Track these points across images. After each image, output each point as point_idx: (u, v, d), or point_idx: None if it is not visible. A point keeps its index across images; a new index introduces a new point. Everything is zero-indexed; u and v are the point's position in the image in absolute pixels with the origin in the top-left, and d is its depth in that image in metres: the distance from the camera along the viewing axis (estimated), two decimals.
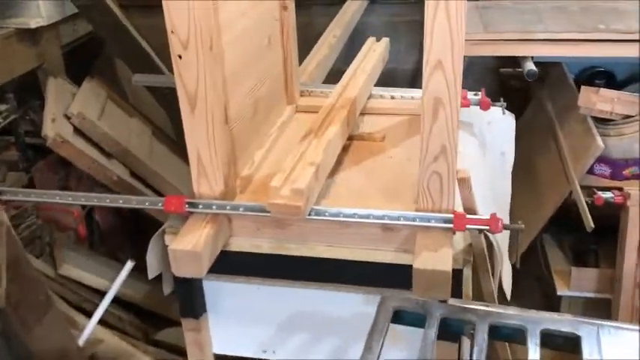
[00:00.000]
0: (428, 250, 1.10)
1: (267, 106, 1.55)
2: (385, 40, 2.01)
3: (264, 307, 1.39)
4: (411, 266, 1.19)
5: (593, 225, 1.85)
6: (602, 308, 2.10)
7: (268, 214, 1.18)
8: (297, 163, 1.21)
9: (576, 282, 2.09)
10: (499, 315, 0.83)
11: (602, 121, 2.09)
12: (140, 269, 1.65)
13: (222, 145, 1.20)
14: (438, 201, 1.15)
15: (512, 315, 0.83)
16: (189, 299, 1.38)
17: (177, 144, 2.88)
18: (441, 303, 0.91)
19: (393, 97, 1.76)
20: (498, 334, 0.83)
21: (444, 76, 1.04)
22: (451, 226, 1.13)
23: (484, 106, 1.69)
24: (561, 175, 2.09)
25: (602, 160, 2.03)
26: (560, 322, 0.81)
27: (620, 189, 1.92)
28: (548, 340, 0.80)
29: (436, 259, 1.08)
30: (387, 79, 3.40)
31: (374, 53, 1.85)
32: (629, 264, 1.91)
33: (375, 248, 1.22)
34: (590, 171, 2.06)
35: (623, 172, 2.02)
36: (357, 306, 1.32)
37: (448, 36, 1.01)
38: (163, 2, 1.07)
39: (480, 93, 1.74)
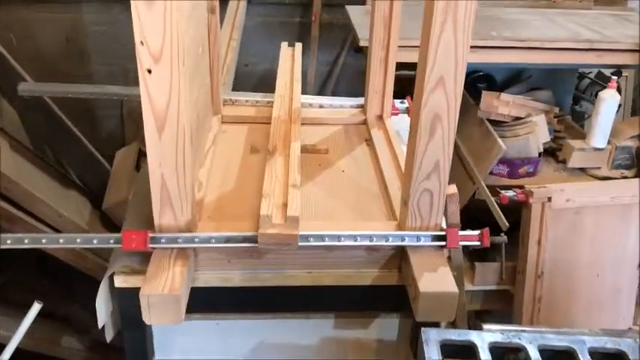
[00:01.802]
0: (427, 270, 1.06)
1: (203, 119, 1.41)
2: (299, 46, 1.94)
3: (225, 342, 1.26)
4: (396, 286, 1.16)
5: (507, 224, 1.96)
6: (503, 300, 2.24)
7: (247, 245, 1.07)
8: (275, 185, 1.11)
9: (480, 277, 2.21)
10: (543, 337, 0.83)
11: (494, 124, 2.23)
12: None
13: (190, 169, 1.06)
14: (427, 218, 1.12)
15: (558, 337, 0.83)
16: (138, 345, 1.21)
17: (35, 155, 2.56)
18: (485, 330, 0.88)
19: (321, 106, 1.71)
20: (548, 357, 0.82)
21: (445, 93, 1.01)
22: (444, 243, 1.11)
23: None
24: (463, 176, 2.19)
25: (499, 160, 2.16)
26: (604, 339, 0.82)
27: (520, 187, 2.06)
28: (596, 358, 0.81)
29: (439, 280, 1.05)
30: (264, 79, 3.36)
31: (298, 61, 1.78)
32: (532, 256, 2.05)
33: (358, 271, 1.16)
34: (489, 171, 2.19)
35: (519, 171, 2.17)
36: (327, 332, 1.26)
37: (453, 52, 0.98)
38: (133, 9, 0.91)
39: (405, 101, 1.76)
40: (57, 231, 2.33)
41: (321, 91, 3.43)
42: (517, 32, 2.21)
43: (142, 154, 2.77)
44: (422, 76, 1.01)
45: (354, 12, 2.52)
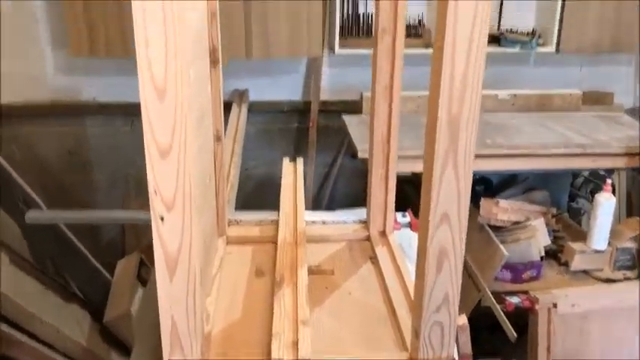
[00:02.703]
0: None
1: (209, 244, 1.43)
2: (300, 161, 1.99)
3: None
4: None
5: (515, 334, 1.94)
6: None
7: None
8: (284, 321, 1.11)
9: None
10: None
11: (494, 227, 2.26)
12: None
13: (200, 309, 1.06)
14: (439, 349, 1.11)
15: None
16: None
17: (35, 267, 2.55)
18: None
19: (324, 222, 1.73)
20: None
21: (450, 227, 1.03)
22: None
23: (415, 227, 1.73)
24: (468, 283, 2.18)
25: (502, 265, 2.17)
26: None
27: (525, 292, 2.06)
28: None
29: None
30: (264, 184, 3.41)
31: (300, 177, 1.82)
32: None
33: None
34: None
35: (523, 276, 2.17)
36: None
37: (455, 188, 1.01)
38: (147, 160, 0.94)
39: (407, 214, 1.79)
40: (55, 349, 2.29)
41: (319, 192, 3.47)
42: (510, 138, 2.29)
43: (142, 264, 2.76)
44: (426, 212, 1.04)
45: (350, 121, 2.61)
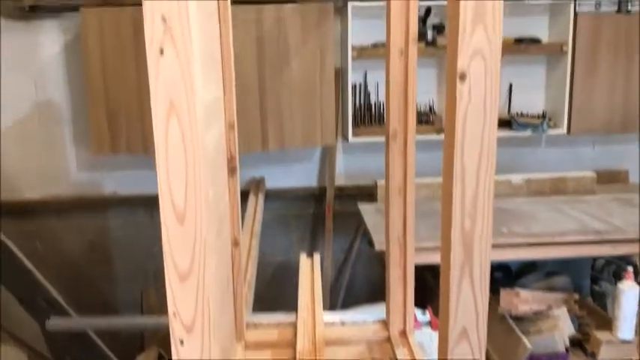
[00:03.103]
0: None
1: (228, 348, 1.42)
2: (317, 257, 2.00)
3: None
4: None
5: None
6: None
7: None
8: None
9: None
10: None
11: (516, 318, 2.22)
12: None
13: None
14: None
15: None
16: None
17: None
18: None
19: (343, 323, 1.72)
20: None
21: (469, 343, 1.03)
22: None
23: (435, 326, 1.71)
24: None
25: (526, 358, 2.11)
26: None
27: None
28: None
29: None
30: (281, 271, 3.41)
31: (317, 275, 1.83)
32: None
33: None
34: None
35: None
36: None
37: (472, 303, 1.02)
38: (167, 280, 0.96)
39: (427, 312, 1.77)
40: None
41: (338, 279, 3.46)
42: (526, 226, 2.29)
43: (161, 358, 2.74)
44: (445, 328, 1.04)
45: (366, 210, 2.63)
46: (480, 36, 0.93)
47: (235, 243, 1.56)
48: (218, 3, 1.42)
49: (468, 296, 1.02)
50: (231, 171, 1.56)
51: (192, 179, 0.95)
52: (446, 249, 1.03)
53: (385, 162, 1.61)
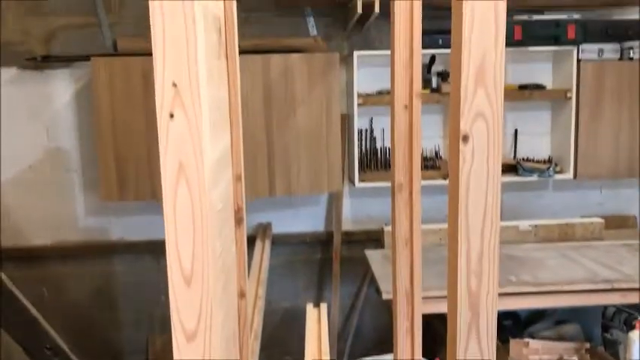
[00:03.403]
0: None
1: None
2: (324, 306, 2.00)
3: None
4: None
5: None
6: None
7: None
8: None
9: None
10: None
11: None
12: None
13: None
14: None
15: None
16: None
17: None
18: None
19: None
20: None
21: None
22: None
23: None
24: None
25: None
26: None
27: None
28: None
29: None
30: (287, 317, 3.39)
31: (324, 326, 1.82)
32: None
33: None
34: None
35: None
36: None
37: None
38: (174, 344, 0.96)
39: None
40: None
41: (345, 325, 3.43)
42: (535, 275, 2.27)
43: None
44: None
45: (373, 257, 2.63)
46: (481, 98, 0.95)
47: (242, 295, 1.56)
48: (227, 54, 1.46)
49: (475, 354, 1.01)
50: (238, 222, 1.57)
51: (200, 240, 0.96)
52: (452, 308, 1.02)
53: (391, 214, 1.61)
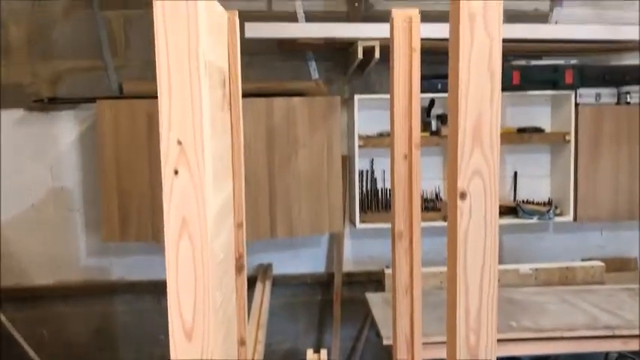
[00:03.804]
0: None
1: None
2: (324, 352, 1.99)
3: None
4: None
5: None
6: None
7: None
8: None
9: None
10: None
11: None
12: None
13: None
14: None
15: None
16: None
17: None
18: None
19: None
20: None
21: None
22: None
23: None
24: None
25: None
26: None
27: None
28: None
29: None
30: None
31: None
32: None
33: None
34: None
35: None
36: None
37: None
38: None
39: None
40: None
41: None
42: (535, 320, 2.27)
43: None
44: None
45: (374, 300, 2.62)
46: (477, 157, 0.97)
47: (242, 342, 1.56)
48: (230, 104, 1.49)
49: None
50: (239, 269, 1.58)
51: (202, 294, 0.97)
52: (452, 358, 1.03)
53: (392, 261, 1.63)
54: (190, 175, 0.94)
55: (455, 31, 0.93)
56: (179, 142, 0.94)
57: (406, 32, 1.52)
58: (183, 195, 0.95)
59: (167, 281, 0.97)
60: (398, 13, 1.51)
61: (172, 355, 0.97)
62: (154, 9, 0.89)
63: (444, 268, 2.85)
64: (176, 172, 0.95)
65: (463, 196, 0.97)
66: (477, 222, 0.99)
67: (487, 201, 0.99)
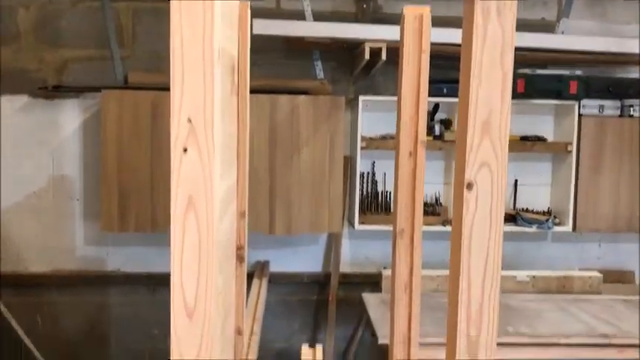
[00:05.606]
0: None
1: None
2: (320, 348, 1.98)
3: None
4: None
5: None
6: None
7: None
8: None
9: None
10: None
11: None
12: None
13: None
14: None
15: None
16: None
17: None
18: None
19: None
20: None
21: None
22: None
23: None
24: None
25: None
26: None
27: None
28: None
29: None
30: (281, 358, 3.35)
31: None
32: None
33: None
34: None
35: None
36: None
37: None
38: None
39: None
40: None
41: None
42: (532, 326, 2.27)
43: None
44: None
45: (370, 301, 2.62)
46: (486, 148, 0.97)
47: (239, 332, 1.56)
48: (238, 92, 1.49)
49: None
50: (240, 259, 1.58)
51: (205, 275, 0.97)
52: (451, 357, 1.03)
53: (392, 258, 1.62)
54: (199, 153, 0.94)
55: (469, 19, 0.93)
56: (189, 121, 0.94)
57: (416, 33, 1.52)
58: (190, 173, 0.95)
59: (171, 260, 0.96)
60: (409, 10, 1.51)
61: (173, 331, 0.97)
62: None
63: (442, 272, 2.87)
64: (185, 150, 0.95)
65: (470, 186, 0.97)
66: (483, 214, 0.99)
67: (494, 193, 0.99)
